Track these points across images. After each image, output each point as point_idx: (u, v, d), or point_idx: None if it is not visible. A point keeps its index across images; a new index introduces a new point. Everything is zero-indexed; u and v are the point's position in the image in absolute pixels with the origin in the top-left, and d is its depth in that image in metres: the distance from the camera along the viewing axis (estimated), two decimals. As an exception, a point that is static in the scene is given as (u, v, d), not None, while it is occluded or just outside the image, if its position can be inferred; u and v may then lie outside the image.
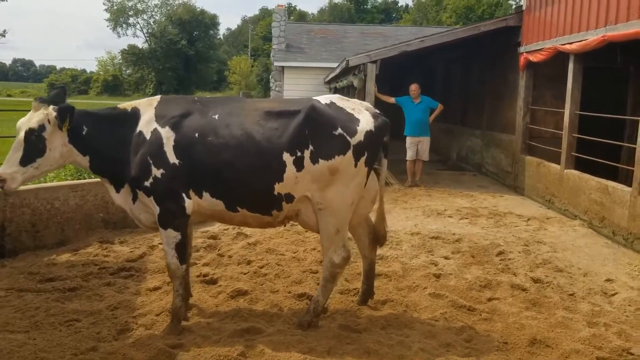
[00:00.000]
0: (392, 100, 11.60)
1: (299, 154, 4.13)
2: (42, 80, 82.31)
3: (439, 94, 16.73)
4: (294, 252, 6.38)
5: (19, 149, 4.09)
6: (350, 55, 12.43)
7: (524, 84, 10.97)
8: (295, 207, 4.31)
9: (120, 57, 67.52)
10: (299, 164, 4.14)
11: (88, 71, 77.74)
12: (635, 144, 7.00)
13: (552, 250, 6.83)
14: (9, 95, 60.07)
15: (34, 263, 5.88)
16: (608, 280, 5.81)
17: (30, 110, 4.19)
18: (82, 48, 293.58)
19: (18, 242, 6.14)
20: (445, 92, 16.79)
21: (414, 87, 11.43)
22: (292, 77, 24.57)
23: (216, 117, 4.26)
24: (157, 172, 4.17)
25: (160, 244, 5.64)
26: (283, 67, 24.47)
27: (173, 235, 4.28)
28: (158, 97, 4.50)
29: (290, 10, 77.30)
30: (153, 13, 67.92)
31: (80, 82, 69.67)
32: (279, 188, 4.17)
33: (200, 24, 68.17)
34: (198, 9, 69.08)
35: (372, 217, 4.91)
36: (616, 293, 5.44)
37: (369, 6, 78.43)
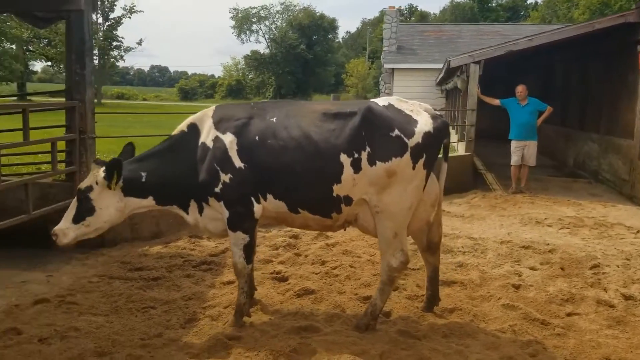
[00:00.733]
0: (496, 102, 11.13)
1: (356, 155, 4.12)
2: (174, 85, 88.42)
3: (556, 96, 15.81)
4: (371, 255, 6.35)
5: (74, 207, 4.39)
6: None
7: (644, 85, 10.06)
8: (354, 211, 4.30)
9: (243, 62, 70.83)
10: (356, 166, 4.13)
11: (216, 76, 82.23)
12: None
13: (656, 267, 6.22)
14: (144, 99, 65.28)
15: (128, 253, 6.39)
16: None
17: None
18: (212, 55, 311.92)
19: (117, 233, 6.66)
20: (562, 94, 15.82)
21: (520, 89, 10.86)
22: (402, 79, 24.40)
23: (274, 120, 4.33)
24: (225, 177, 4.28)
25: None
26: (393, 69, 24.41)
27: (242, 238, 4.41)
28: (213, 107, 4.64)
29: (412, 10, 76.58)
30: (275, 19, 70.50)
31: (207, 86, 74.11)
32: (337, 190, 4.18)
33: (320, 28, 69.58)
34: (318, 14, 70.64)
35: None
36: None
37: (493, 4, 75.47)
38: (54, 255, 6.30)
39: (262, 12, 69.88)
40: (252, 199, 4.32)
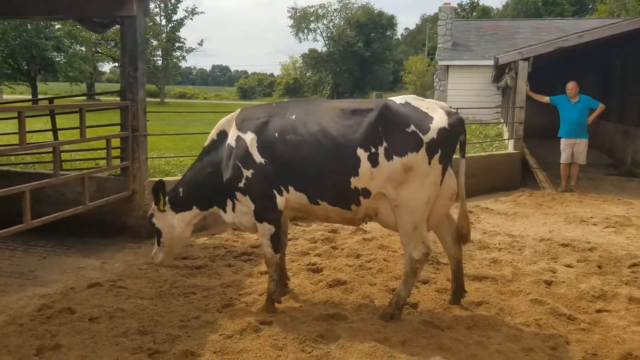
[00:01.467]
0: (546, 99, 10.98)
1: (373, 150, 4.31)
2: (233, 84, 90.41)
3: (615, 92, 15.35)
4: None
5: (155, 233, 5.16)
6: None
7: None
8: (374, 205, 4.49)
9: (301, 61, 71.55)
10: (373, 160, 4.32)
11: (275, 75, 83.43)
12: None
13: (700, 267, 6.07)
14: (205, 99, 67.13)
15: (176, 243, 6.80)
16: None
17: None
18: (272, 54, 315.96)
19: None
20: (621, 90, 15.33)
21: (571, 86, 10.65)
22: (457, 76, 24.15)
23: (293, 117, 4.62)
24: (247, 173, 4.63)
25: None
26: (448, 66, 24.17)
27: (268, 228, 4.72)
28: (238, 110, 5.03)
29: (473, 5, 75.04)
30: (332, 17, 70.77)
31: (265, 85, 75.51)
32: (355, 182, 4.38)
33: (377, 26, 69.33)
34: (376, 11, 70.40)
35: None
36: None
37: (558, -2, 72.78)
38: (110, 244, 6.84)
39: (320, 11, 70.32)
40: (275, 191, 4.62)
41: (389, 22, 72.01)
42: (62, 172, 6.39)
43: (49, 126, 8.10)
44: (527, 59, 10.98)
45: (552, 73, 15.96)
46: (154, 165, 9.85)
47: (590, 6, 72.34)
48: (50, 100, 8.62)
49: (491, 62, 22.27)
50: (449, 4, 25.65)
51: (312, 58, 68.99)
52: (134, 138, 6.92)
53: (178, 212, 5.07)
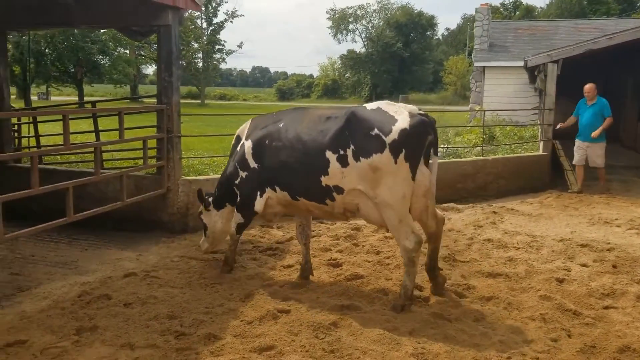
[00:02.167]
0: (572, 119, 10.75)
1: (341, 152, 4.76)
2: (273, 85, 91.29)
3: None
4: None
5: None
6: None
7: None
8: (352, 201, 4.88)
9: (340, 61, 71.83)
10: (343, 161, 4.78)
11: (314, 76, 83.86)
12: None
13: None
14: (244, 100, 68.08)
15: (206, 238, 7.22)
16: None
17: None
18: (311, 55, 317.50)
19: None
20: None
21: (587, 88, 10.41)
22: (494, 77, 23.98)
23: (281, 125, 5.23)
24: (242, 174, 5.55)
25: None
26: (484, 67, 24.05)
27: (239, 218, 5.73)
28: (251, 118, 5.72)
29: (516, 5, 73.83)
30: (371, 18, 70.85)
31: (303, 86, 76.05)
32: (325, 180, 4.89)
33: (417, 26, 69.00)
34: (416, 11, 70.08)
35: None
36: None
37: (605, -4, 70.81)
38: (146, 238, 7.32)
39: (358, 12, 70.49)
40: (258, 192, 5.44)
41: (429, 22, 71.53)
42: (102, 171, 6.90)
43: (93, 127, 8.68)
44: (556, 62, 11.00)
45: (592, 73, 15.82)
46: (188, 164, 10.35)
47: (638, 4, 70.11)
48: (93, 103, 9.19)
49: (528, 64, 22.20)
50: (487, 4, 25.51)
51: (350, 59, 69.19)
52: (168, 139, 7.38)
53: (218, 210, 6.00)
